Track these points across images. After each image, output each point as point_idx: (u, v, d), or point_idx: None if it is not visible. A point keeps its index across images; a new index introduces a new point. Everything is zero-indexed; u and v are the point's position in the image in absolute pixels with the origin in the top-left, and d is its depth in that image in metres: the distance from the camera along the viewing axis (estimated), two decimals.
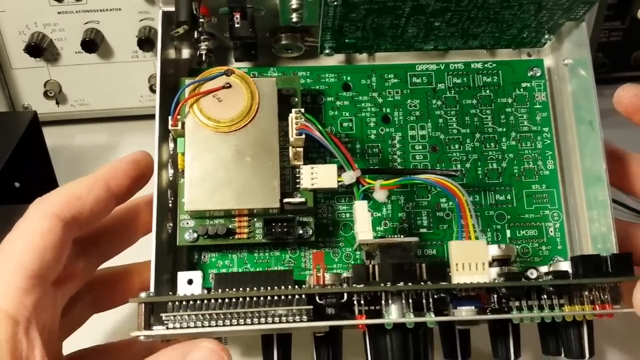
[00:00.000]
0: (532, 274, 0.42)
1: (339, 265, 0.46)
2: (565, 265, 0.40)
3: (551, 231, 0.47)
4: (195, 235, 0.43)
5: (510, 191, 0.48)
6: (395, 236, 0.41)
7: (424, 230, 0.47)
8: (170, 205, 0.44)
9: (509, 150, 0.49)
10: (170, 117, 0.43)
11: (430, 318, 0.36)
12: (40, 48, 0.61)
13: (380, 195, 0.40)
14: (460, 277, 0.37)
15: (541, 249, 0.47)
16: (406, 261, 0.39)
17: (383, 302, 0.37)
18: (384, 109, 0.50)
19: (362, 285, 0.37)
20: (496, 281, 0.38)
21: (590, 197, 0.45)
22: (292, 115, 0.43)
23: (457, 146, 0.49)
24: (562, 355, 0.42)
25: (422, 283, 0.37)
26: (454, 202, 0.38)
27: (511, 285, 0.37)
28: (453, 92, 0.50)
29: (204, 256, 0.45)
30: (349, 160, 0.42)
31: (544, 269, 0.44)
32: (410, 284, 0.37)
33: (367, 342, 0.38)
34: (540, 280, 0.38)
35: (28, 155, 0.54)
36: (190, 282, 0.39)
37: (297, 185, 0.44)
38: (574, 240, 0.47)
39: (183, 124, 0.43)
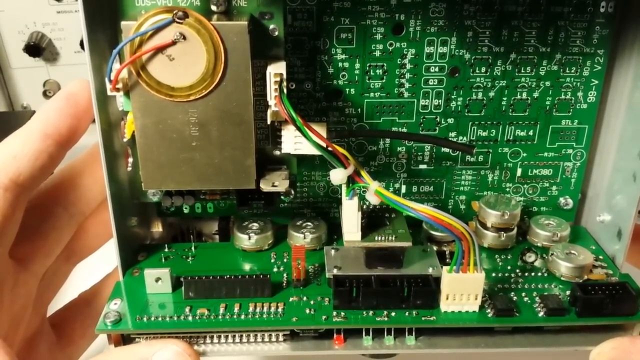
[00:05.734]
0: (530, 257, 0.39)
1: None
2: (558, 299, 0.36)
3: (568, 171, 0.42)
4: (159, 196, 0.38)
5: (534, 126, 0.40)
6: (386, 241, 0.35)
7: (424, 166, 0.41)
8: (129, 169, 0.37)
9: (546, 77, 0.39)
10: (107, 81, 0.32)
11: (411, 342, 0.35)
12: (39, 48, 0.63)
13: (373, 198, 0.34)
14: (448, 306, 0.34)
15: (551, 189, 0.42)
16: (392, 274, 0.36)
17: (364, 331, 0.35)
18: (396, 15, 0.37)
19: (343, 316, 0.34)
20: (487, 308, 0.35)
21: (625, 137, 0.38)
22: (270, 72, 0.33)
23: (483, 69, 0.39)
24: None
25: (407, 312, 0.35)
26: (456, 240, 0.32)
27: (500, 327, 0.35)
28: None
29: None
30: (337, 156, 0.33)
31: (543, 220, 0.41)
32: (393, 313, 0.35)
33: None
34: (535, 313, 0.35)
35: None
36: (157, 280, 0.36)
37: (278, 144, 0.36)
38: (591, 185, 0.42)
39: (126, 84, 0.33)
